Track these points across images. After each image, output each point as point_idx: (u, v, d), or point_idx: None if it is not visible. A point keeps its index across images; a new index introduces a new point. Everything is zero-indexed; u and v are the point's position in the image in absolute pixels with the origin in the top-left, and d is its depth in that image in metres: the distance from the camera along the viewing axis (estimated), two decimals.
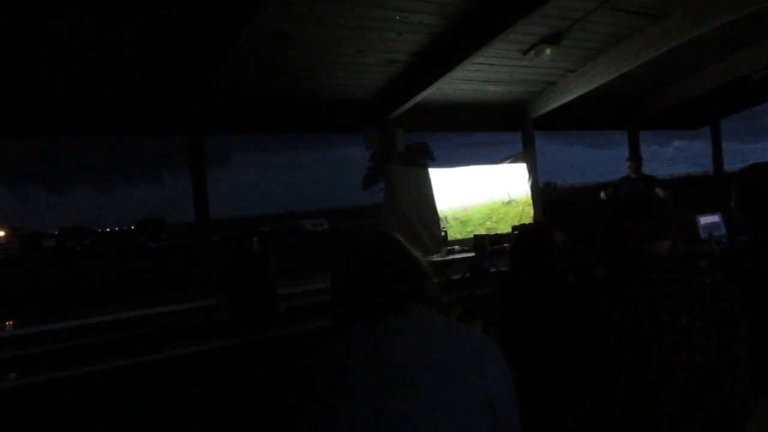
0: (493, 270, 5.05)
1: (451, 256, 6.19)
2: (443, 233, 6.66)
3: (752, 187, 1.88)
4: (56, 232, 37.26)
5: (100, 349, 4.89)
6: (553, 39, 5.90)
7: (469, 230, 6.90)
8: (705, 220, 5.51)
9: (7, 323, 5.68)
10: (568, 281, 2.34)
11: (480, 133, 8.38)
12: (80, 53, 4.79)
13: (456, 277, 5.19)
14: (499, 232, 6.40)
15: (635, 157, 7.20)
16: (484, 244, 5.71)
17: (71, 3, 4.14)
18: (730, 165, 11.44)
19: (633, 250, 1.54)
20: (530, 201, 7.79)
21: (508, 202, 7.65)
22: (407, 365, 1.17)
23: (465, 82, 6.75)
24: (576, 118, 8.61)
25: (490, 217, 7.36)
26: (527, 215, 7.62)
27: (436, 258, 5.91)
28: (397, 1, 4.87)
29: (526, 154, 8.07)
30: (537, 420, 1.48)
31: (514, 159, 8.07)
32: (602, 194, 7.09)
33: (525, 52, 6.08)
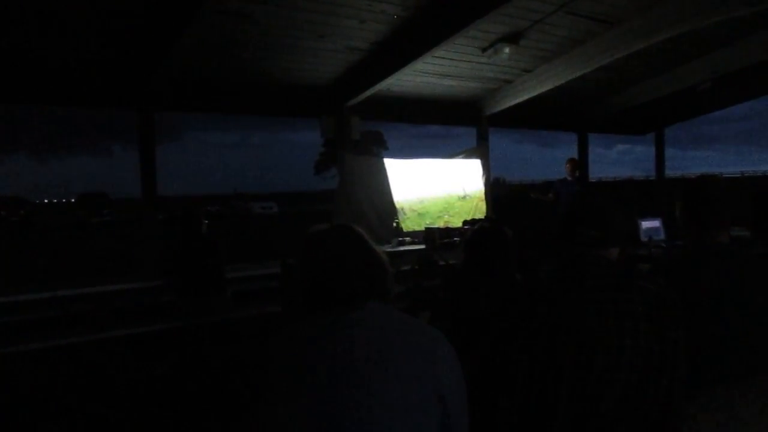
0: (442, 263, 5.12)
1: (401, 248, 6.23)
2: (395, 224, 6.69)
3: (699, 197, 1.97)
4: None
5: (36, 327, 4.69)
6: (512, 38, 5.98)
7: (427, 222, 6.95)
8: (646, 224, 5.74)
9: None
10: (516, 279, 2.40)
11: (435, 125, 8.43)
12: (25, 17, 4.54)
13: (405, 268, 5.24)
14: (453, 225, 6.48)
15: (572, 161, 7.60)
16: (434, 237, 5.78)
17: None
18: (671, 171, 11.92)
19: (584, 254, 1.59)
20: (483, 196, 7.92)
21: (463, 197, 7.75)
22: (360, 359, 1.18)
23: (424, 74, 6.77)
24: (528, 117, 8.78)
25: (447, 211, 7.44)
26: (480, 210, 7.75)
27: (387, 248, 5.94)
28: None
29: (479, 149, 8.18)
30: (484, 416, 1.51)
31: (468, 154, 8.17)
32: (532, 194, 7.55)
33: (484, 50, 6.14)
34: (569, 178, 7.58)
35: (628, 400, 1.43)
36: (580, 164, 8.37)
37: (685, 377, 1.49)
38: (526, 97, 7.42)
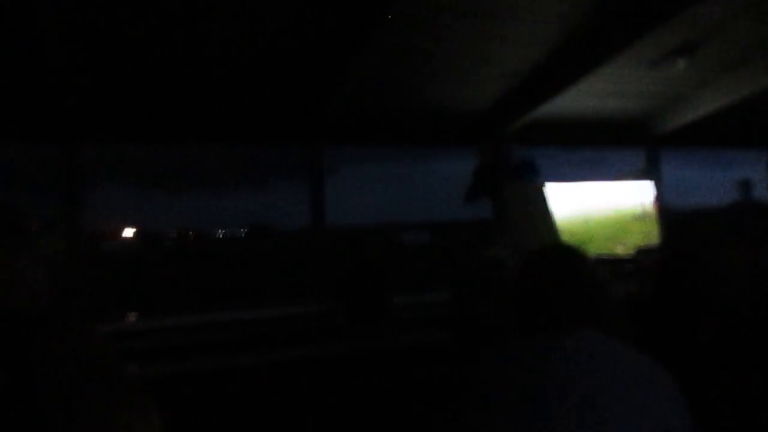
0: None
1: None
2: None
3: None
4: (175, 233, 40.07)
5: (217, 347, 5.11)
6: (687, 49, 5.54)
7: (592, 248, 6.49)
8: None
9: (129, 316, 6.04)
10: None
11: (595, 149, 8.04)
12: (205, 61, 5.07)
13: None
14: (621, 252, 6.05)
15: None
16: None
17: (195, 11, 4.41)
18: None
19: None
20: (655, 222, 7.33)
21: (641, 218, 7.19)
22: (578, 388, 1.10)
23: (586, 95, 6.49)
24: (707, 135, 8.02)
25: (618, 236, 6.90)
26: (651, 237, 7.17)
27: None
28: (520, 12, 4.79)
29: (649, 171, 7.62)
30: None
31: (635, 176, 7.65)
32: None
33: (655, 64, 5.75)
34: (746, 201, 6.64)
35: None
36: None
37: None
38: (703, 112, 6.81)
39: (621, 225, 6.99)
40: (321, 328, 5.02)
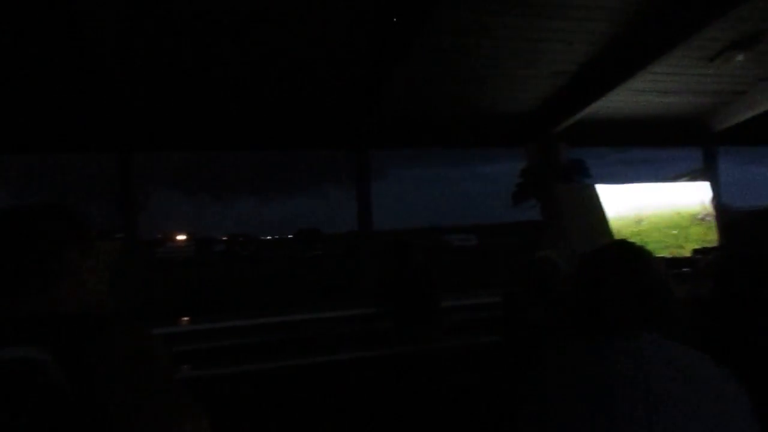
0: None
1: None
2: None
3: None
4: (225, 238, 41.11)
5: (265, 349, 5.20)
6: (746, 43, 5.32)
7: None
8: None
9: (183, 319, 6.20)
10: None
11: (649, 148, 7.80)
12: (255, 70, 5.18)
13: None
14: (680, 254, 5.85)
15: None
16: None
17: (246, 21, 4.51)
18: None
19: None
20: (714, 223, 7.05)
21: (701, 219, 6.93)
22: (645, 393, 1.08)
23: (639, 93, 6.31)
24: (766, 133, 7.69)
25: (676, 239, 6.65)
26: (710, 238, 6.90)
27: None
28: (569, 10, 4.71)
29: (707, 171, 7.35)
30: None
31: (692, 177, 7.38)
32: None
33: (712, 59, 5.55)
34: None
35: None
36: None
37: None
38: (763, 109, 6.53)
39: (677, 227, 6.75)
40: (369, 331, 5.06)
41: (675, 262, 5.32)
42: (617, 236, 6.46)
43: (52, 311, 1.03)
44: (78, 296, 1.10)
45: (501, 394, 2.64)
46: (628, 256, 1.28)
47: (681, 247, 6.44)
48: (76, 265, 1.11)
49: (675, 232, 6.63)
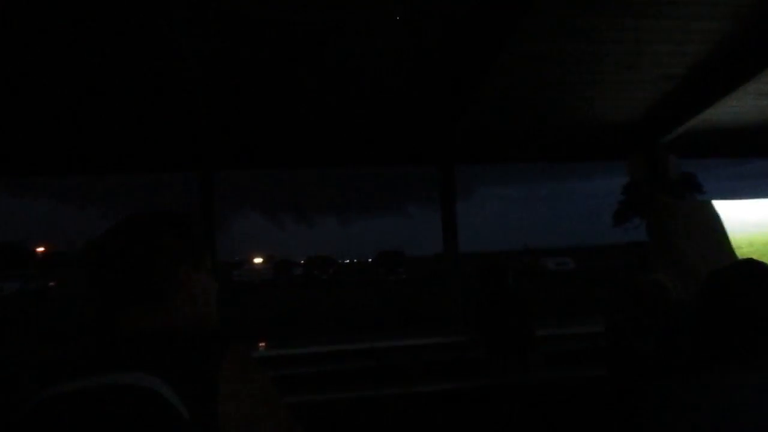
0: None
1: None
2: None
3: None
4: (303, 261, 42.11)
5: (347, 377, 5.25)
6: None
7: None
8: None
9: (260, 345, 6.37)
10: None
11: (757, 162, 7.29)
12: (334, 87, 5.33)
13: None
14: None
15: None
16: None
17: (330, 41, 4.65)
18: None
19: None
20: None
21: None
22: None
23: (759, 97, 5.97)
24: None
25: None
26: None
27: None
28: (676, 7, 4.54)
29: None
30: None
31: None
32: None
33: None
34: None
35: None
36: None
37: None
38: None
39: None
40: (459, 361, 5.01)
41: None
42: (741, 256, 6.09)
43: (162, 329, 1.06)
44: (188, 312, 1.12)
45: None
46: (760, 277, 1.20)
47: None
48: (190, 280, 1.14)
49: None
